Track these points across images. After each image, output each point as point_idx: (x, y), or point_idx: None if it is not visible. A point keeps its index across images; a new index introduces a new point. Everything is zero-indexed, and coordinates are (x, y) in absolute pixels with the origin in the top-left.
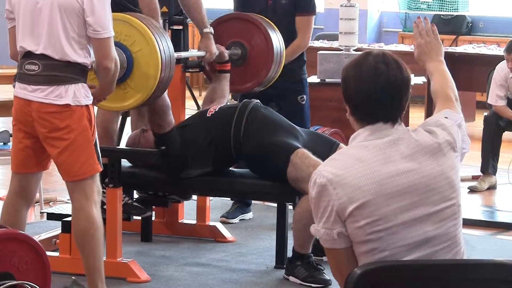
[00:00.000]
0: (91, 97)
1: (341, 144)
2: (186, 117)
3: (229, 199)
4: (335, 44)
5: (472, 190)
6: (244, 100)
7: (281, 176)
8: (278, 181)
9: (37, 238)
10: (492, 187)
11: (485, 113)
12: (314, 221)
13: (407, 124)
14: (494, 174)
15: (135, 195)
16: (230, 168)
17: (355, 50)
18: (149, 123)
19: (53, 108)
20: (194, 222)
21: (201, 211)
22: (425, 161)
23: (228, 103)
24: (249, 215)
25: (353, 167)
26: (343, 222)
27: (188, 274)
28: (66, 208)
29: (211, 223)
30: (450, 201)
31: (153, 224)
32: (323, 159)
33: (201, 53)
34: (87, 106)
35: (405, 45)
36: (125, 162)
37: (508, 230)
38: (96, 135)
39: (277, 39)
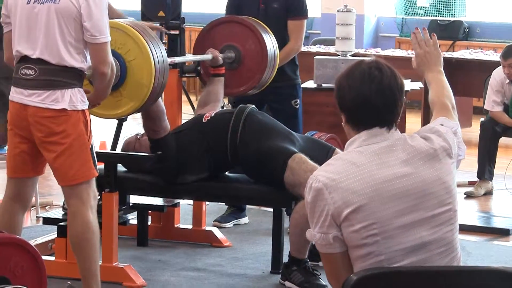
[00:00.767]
0: (87, 102)
1: (337, 149)
2: (183, 121)
3: (224, 204)
4: (331, 49)
5: (468, 195)
6: (240, 105)
7: (278, 181)
8: (275, 186)
9: (33, 242)
10: (488, 193)
11: (482, 119)
12: (310, 226)
13: (403, 129)
14: (491, 180)
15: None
16: (226, 173)
17: (352, 55)
18: (144, 129)
19: (49, 112)
20: (190, 227)
21: (197, 216)
22: (421, 166)
23: (224, 108)
24: (244, 220)
25: (348, 172)
26: (338, 226)
27: (184, 279)
28: (62, 213)
29: (207, 228)
30: (446, 206)
31: (149, 229)
32: (320, 164)
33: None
34: (83, 111)
35: (402, 50)
36: (120, 167)
37: (505, 236)
38: (92, 140)
39: (271, 42)
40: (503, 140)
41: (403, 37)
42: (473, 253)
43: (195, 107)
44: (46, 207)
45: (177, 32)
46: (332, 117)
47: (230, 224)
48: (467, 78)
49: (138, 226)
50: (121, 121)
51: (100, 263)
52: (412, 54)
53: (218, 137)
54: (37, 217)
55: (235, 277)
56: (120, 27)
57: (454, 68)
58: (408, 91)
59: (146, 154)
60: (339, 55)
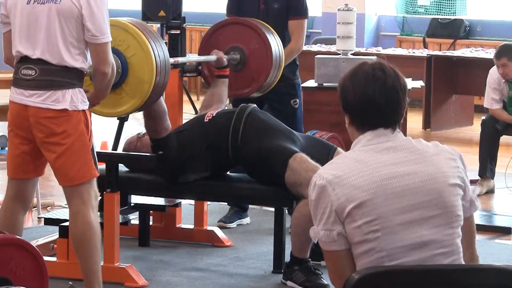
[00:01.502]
0: (88, 102)
1: (339, 149)
2: (184, 121)
3: (226, 204)
4: (332, 48)
5: None
6: (242, 105)
7: (279, 181)
8: (276, 185)
9: (34, 243)
10: (490, 191)
11: (483, 117)
12: (314, 224)
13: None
14: (492, 178)
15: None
16: (228, 173)
17: (353, 54)
18: (145, 128)
19: (50, 113)
20: (192, 226)
21: (199, 216)
22: (426, 167)
23: (226, 108)
24: (246, 220)
25: (353, 168)
26: (342, 223)
27: (186, 279)
28: (63, 213)
29: (209, 228)
30: (448, 209)
31: (151, 229)
32: (321, 163)
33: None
34: (84, 111)
35: (403, 49)
36: (122, 167)
37: (506, 234)
38: (93, 141)
39: (275, 43)
40: (504, 138)
41: (404, 35)
42: None
43: (196, 106)
44: (48, 208)
45: (178, 32)
46: (334, 116)
47: (234, 224)
48: (468, 76)
49: (139, 226)
50: (122, 121)
51: (101, 264)
52: (413, 52)
53: (219, 136)
54: (38, 217)
55: (237, 277)
56: (119, 24)
57: (455, 67)
58: (409, 89)
59: (148, 154)
60: (340, 54)
